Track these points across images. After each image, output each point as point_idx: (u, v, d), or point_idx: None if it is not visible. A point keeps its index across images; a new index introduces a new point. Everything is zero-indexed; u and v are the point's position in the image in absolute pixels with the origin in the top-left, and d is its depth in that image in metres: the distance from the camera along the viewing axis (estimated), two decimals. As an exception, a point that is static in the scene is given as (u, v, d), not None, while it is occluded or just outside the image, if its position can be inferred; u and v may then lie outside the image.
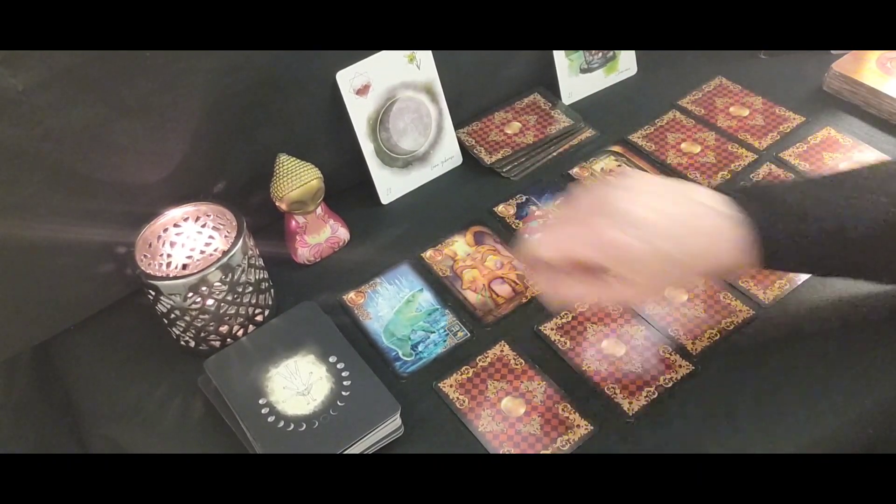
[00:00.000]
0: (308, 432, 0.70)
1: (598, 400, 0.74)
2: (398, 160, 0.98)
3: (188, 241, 0.84)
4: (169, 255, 0.83)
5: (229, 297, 0.78)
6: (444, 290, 0.87)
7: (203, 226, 0.84)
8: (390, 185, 0.98)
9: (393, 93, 0.94)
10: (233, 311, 0.79)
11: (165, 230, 0.83)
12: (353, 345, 0.78)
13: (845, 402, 0.71)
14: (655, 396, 0.73)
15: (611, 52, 1.10)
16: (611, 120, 1.06)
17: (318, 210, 0.89)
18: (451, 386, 0.77)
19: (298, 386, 0.74)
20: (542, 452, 0.70)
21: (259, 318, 0.83)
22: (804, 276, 0.82)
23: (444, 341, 0.81)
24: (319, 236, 0.91)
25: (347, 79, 0.90)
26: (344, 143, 0.94)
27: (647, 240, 0.60)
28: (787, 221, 0.62)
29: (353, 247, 0.94)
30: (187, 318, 0.78)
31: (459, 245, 0.91)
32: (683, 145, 1.00)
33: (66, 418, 0.82)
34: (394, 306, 0.85)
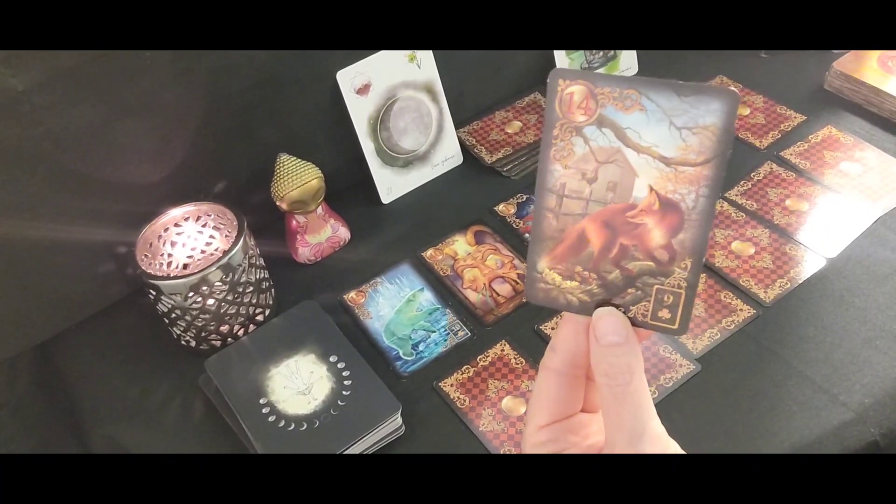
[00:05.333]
0: (309, 432, 0.70)
1: (598, 399, 0.74)
2: (399, 159, 0.98)
3: (189, 241, 0.84)
4: (170, 255, 0.83)
5: (230, 297, 0.78)
6: (445, 289, 0.87)
7: (204, 225, 0.84)
8: (391, 185, 0.98)
9: (393, 92, 0.94)
10: (233, 311, 0.79)
11: (166, 230, 0.82)
12: (354, 344, 0.78)
13: (846, 401, 0.71)
14: (656, 395, 0.73)
15: (611, 52, 1.10)
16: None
17: (319, 209, 0.89)
18: (451, 385, 0.77)
19: (299, 385, 0.74)
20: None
21: (260, 317, 0.83)
22: (804, 277, 0.82)
23: (445, 341, 0.81)
24: (320, 236, 0.91)
25: (348, 78, 0.90)
26: (344, 142, 0.94)
27: None
28: None
29: (353, 246, 0.94)
30: (188, 318, 0.78)
31: (460, 244, 0.91)
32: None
33: (66, 418, 0.82)
34: (394, 306, 0.85)
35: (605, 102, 0.34)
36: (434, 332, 0.82)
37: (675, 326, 0.36)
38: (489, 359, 0.79)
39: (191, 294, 0.76)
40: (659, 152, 0.34)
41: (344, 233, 0.93)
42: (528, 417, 0.39)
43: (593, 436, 0.39)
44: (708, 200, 0.34)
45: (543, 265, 0.36)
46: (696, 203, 0.34)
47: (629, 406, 0.35)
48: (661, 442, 0.35)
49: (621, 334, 0.36)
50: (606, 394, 0.35)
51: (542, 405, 0.38)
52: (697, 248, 0.35)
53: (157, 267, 0.82)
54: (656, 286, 0.36)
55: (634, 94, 0.34)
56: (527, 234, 0.91)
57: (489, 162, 1.01)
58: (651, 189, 0.35)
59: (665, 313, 0.36)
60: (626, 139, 0.34)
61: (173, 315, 0.78)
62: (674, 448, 0.35)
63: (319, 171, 0.87)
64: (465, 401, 0.75)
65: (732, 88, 0.34)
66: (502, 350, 0.79)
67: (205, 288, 0.76)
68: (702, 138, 0.34)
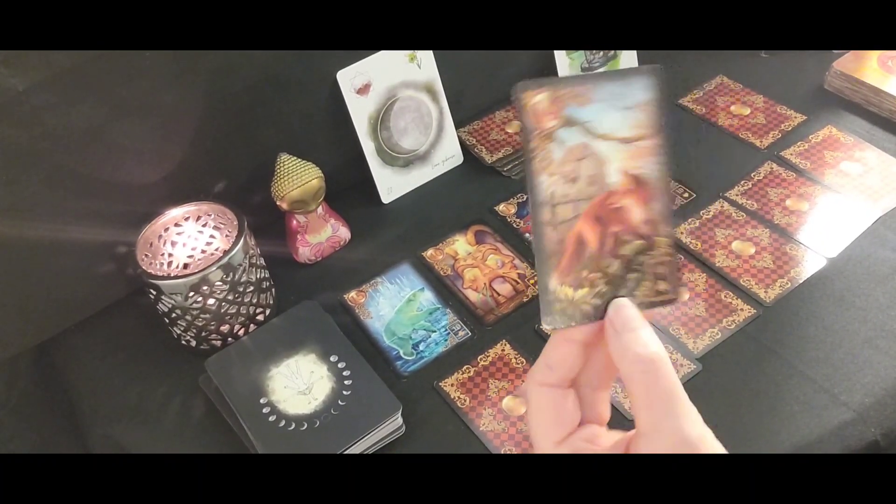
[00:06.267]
0: (309, 431, 0.70)
1: (599, 399, 0.74)
2: (399, 159, 0.98)
3: (189, 241, 0.84)
4: (170, 255, 0.83)
5: (230, 297, 0.78)
6: (445, 289, 0.87)
7: (204, 225, 0.84)
8: (391, 185, 0.98)
9: (393, 92, 0.94)
10: (234, 311, 0.79)
11: (166, 230, 0.82)
12: (355, 344, 0.78)
13: (846, 401, 0.71)
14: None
15: (611, 52, 1.10)
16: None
17: (319, 209, 0.89)
18: (452, 385, 0.77)
19: (299, 385, 0.74)
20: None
21: (260, 317, 0.83)
22: (805, 276, 0.82)
23: (446, 340, 0.81)
24: (320, 235, 0.91)
25: (348, 78, 0.90)
26: (345, 142, 0.94)
27: None
28: None
29: (354, 246, 0.94)
30: (188, 318, 0.78)
31: (460, 244, 0.91)
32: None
33: (66, 418, 0.82)
34: (395, 305, 0.85)
35: (566, 103, 0.36)
36: (434, 331, 0.82)
37: (674, 295, 0.38)
38: (489, 358, 0.79)
39: (191, 294, 0.76)
40: (617, 135, 0.37)
41: (344, 233, 0.93)
42: (538, 439, 0.38)
43: (609, 442, 0.39)
44: (663, 167, 0.37)
45: (554, 283, 0.37)
46: (656, 172, 0.37)
47: (664, 388, 0.35)
48: (700, 422, 0.35)
49: (639, 321, 0.36)
50: (639, 380, 0.35)
51: (554, 421, 0.38)
52: (667, 214, 0.37)
53: (158, 267, 0.81)
54: (650, 261, 0.38)
55: (585, 88, 0.36)
56: (527, 234, 0.91)
57: (489, 162, 1.01)
58: (622, 171, 0.37)
59: (663, 285, 0.38)
60: (590, 132, 0.36)
61: (173, 315, 0.78)
62: (709, 436, 0.35)
63: (319, 171, 0.87)
64: (465, 400, 0.75)
65: (655, 64, 0.37)
66: (503, 350, 0.79)
67: (205, 288, 0.76)
68: (645, 113, 0.36)
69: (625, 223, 0.37)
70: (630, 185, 0.37)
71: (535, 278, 0.86)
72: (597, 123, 0.36)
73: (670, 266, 0.38)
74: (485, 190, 0.98)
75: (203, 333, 0.80)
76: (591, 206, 0.37)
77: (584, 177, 0.36)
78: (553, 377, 0.38)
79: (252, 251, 0.80)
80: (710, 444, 0.35)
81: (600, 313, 0.37)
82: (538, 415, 0.38)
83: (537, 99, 0.35)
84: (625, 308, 0.37)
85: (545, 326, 0.37)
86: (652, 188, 0.37)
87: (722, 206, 0.91)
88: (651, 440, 0.35)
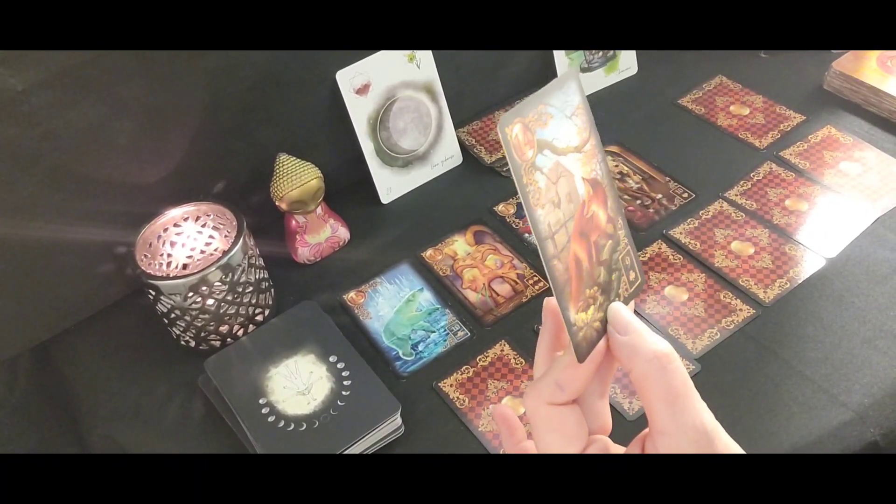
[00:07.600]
0: (308, 432, 0.70)
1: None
2: (398, 159, 0.98)
3: (188, 241, 0.84)
4: (169, 255, 0.83)
5: (229, 297, 0.78)
6: (445, 289, 0.87)
7: (203, 225, 0.84)
8: (390, 185, 0.98)
9: (393, 92, 0.94)
10: (233, 311, 0.79)
11: (165, 230, 0.82)
12: (354, 344, 0.78)
13: (845, 401, 0.71)
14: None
15: (611, 52, 1.10)
16: (611, 119, 1.06)
17: (319, 209, 0.89)
18: (451, 385, 0.77)
19: (299, 385, 0.74)
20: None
21: (259, 317, 0.83)
22: (804, 276, 0.82)
23: (445, 341, 0.81)
24: (319, 236, 0.91)
25: (347, 78, 0.90)
26: (344, 142, 0.94)
27: None
28: None
29: (353, 246, 0.94)
30: (187, 318, 0.78)
31: (459, 244, 0.91)
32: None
33: (66, 418, 0.82)
34: (394, 306, 0.85)
35: (534, 127, 0.35)
36: (433, 332, 0.82)
37: (642, 280, 0.40)
38: (489, 359, 0.79)
39: (190, 294, 0.76)
40: (572, 146, 0.37)
41: (343, 233, 0.93)
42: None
43: (620, 449, 0.38)
44: (604, 164, 0.38)
45: (573, 314, 0.36)
46: (602, 170, 0.38)
47: (680, 382, 0.35)
48: (707, 412, 0.36)
49: (637, 321, 0.37)
50: (656, 377, 0.35)
51: (570, 438, 0.38)
52: (619, 206, 0.39)
53: (157, 267, 0.82)
54: (620, 257, 0.39)
55: (542, 106, 0.35)
56: (526, 234, 0.91)
57: (489, 162, 1.01)
58: (583, 179, 0.37)
59: (632, 275, 0.39)
60: (556, 149, 0.36)
61: (173, 315, 0.78)
62: (720, 426, 0.36)
63: (319, 171, 0.87)
64: (464, 401, 0.76)
65: (570, 69, 0.38)
66: (502, 350, 0.79)
67: (204, 288, 0.76)
68: (582, 117, 0.37)
69: (598, 229, 0.37)
70: (590, 190, 0.37)
71: (535, 280, 0.86)
72: (558, 140, 0.36)
73: (632, 255, 0.39)
74: (484, 190, 0.98)
75: (202, 334, 0.80)
76: (575, 224, 0.36)
77: (563, 196, 0.36)
78: (564, 396, 0.37)
79: (251, 251, 0.80)
80: (724, 435, 0.35)
81: (605, 325, 0.38)
82: (552, 435, 0.38)
83: (515, 132, 0.34)
84: (621, 311, 0.37)
85: (582, 363, 0.36)
86: (604, 187, 0.38)
87: (721, 207, 0.91)
88: (671, 436, 0.35)
